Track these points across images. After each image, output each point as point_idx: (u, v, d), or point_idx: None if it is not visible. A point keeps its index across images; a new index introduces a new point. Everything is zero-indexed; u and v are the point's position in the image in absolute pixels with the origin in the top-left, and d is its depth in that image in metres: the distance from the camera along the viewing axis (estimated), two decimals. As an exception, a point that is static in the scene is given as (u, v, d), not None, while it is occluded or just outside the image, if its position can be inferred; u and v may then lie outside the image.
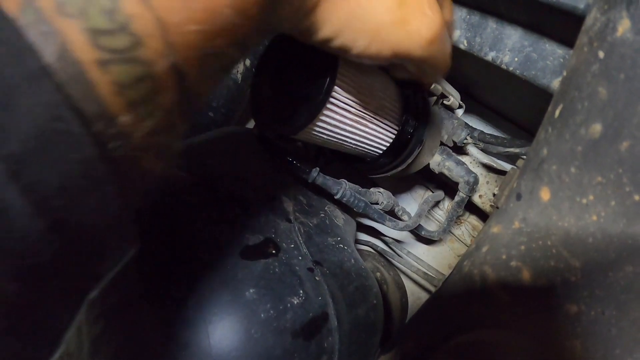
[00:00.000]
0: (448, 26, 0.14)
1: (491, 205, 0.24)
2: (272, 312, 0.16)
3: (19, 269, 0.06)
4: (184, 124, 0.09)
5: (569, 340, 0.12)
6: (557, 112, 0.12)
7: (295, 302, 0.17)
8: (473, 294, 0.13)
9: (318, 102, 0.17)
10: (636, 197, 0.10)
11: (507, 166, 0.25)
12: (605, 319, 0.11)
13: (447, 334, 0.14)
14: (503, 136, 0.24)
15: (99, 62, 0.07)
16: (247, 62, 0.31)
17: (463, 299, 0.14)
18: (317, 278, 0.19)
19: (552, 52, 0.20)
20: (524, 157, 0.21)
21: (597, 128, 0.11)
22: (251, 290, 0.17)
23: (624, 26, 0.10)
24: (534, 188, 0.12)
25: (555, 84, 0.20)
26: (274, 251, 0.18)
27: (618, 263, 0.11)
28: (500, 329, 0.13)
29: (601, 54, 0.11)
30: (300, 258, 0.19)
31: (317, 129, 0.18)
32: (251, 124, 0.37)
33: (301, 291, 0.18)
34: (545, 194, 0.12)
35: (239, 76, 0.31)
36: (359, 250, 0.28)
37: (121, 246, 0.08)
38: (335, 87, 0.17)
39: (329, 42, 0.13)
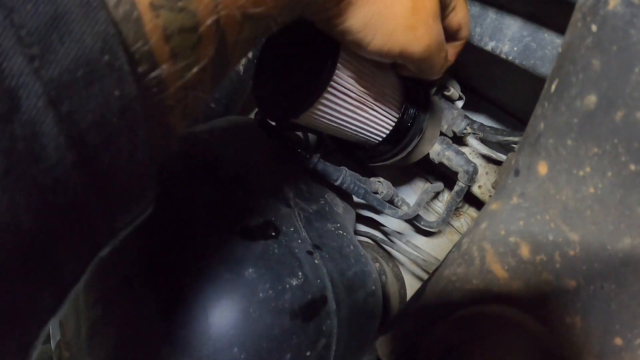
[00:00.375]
0: (462, 26, 0.16)
1: (490, 196, 0.24)
2: (270, 292, 0.17)
3: (40, 204, 0.06)
4: (212, 86, 0.09)
5: (569, 316, 0.12)
6: (552, 87, 0.12)
7: (294, 284, 0.17)
8: (472, 270, 0.13)
9: (320, 85, 0.17)
10: (632, 167, 0.10)
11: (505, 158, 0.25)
12: (605, 293, 0.11)
13: (446, 309, 0.14)
14: (502, 128, 0.24)
15: (152, 6, 0.07)
16: (249, 54, 0.31)
17: (462, 275, 0.14)
18: (316, 261, 0.19)
19: (551, 41, 0.21)
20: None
21: (591, 99, 0.11)
22: (250, 270, 0.17)
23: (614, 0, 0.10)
24: (531, 163, 0.12)
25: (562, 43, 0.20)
26: (273, 233, 0.19)
27: (616, 235, 0.11)
28: (498, 304, 0.13)
29: (594, 28, 0.11)
30: (299, 241, 0.19)
31: (319, 112, 0.19)
32: (252, 115, 0.37)
33: (300, 273, 0.18)
34: (542, 168, 0.12)
35: (241, 68, 0.32)
36: (358, 241, 0.28)
37: (141, 200, 0.08)
38: (337, 72, 0.18)
39: (349, 34, 0.14)
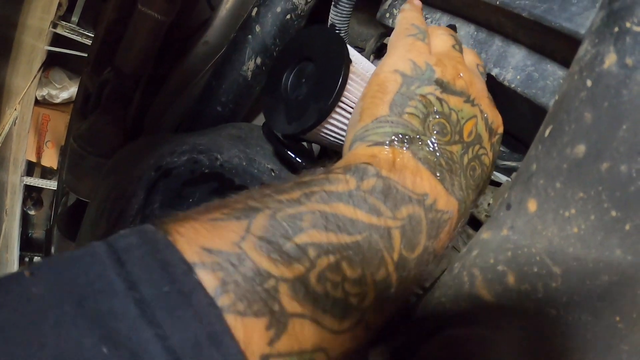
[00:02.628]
0: (475, 68, 0.18)
1: (486, 215, 0.25)
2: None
3: None
4: None
5: (547, 341, 0.13)
6: (547, 132, 0.13)
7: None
8: (461, 293, 0.14)
9: (328, 105, 0.18)
10: (613, 213, 0.11)
11: (503, 178, 0.26)
12: (582, 324, 0.12)
13: (435, 329, 0.15)
14: (502, 149, 0.25)
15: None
16: (258, 60, 0.32)
17: (452, 298, 0.15)
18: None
19: (553, 72, 0.22)
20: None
21: (581, 149, 0.12)
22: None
23: (610, 59, 0.11)
24: (522, 199, 0.13)
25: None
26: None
27: (595, 272, 0.12)
28: (484, 326, 0.14)
29: (589, 83, 0.12)
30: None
31: (326, 130, 0.20)
32: (257, 121, 0.38)
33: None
34: (532, 205, 0.13)
35: (249, 73, 0.32)
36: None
37: None
38: (345, 92, 0.18)
39: None
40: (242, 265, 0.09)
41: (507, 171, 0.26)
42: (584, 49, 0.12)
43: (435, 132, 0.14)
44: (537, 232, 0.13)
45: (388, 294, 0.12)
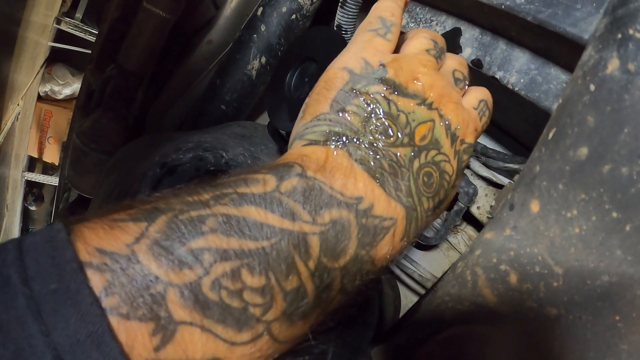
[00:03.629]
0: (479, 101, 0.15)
1: (488, 217, 0.25)
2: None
3: None
4: None
5: (548, 340, 0.13)
6: (550, 135, 0.13)
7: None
8: (464, 292, 0.15)
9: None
10: (614, 214, 0.12)
11: (505, 180, 0.27)
12: (582, 323, 0.12)
13: (439, 326, 0.15)
14: (505, 152, 0.26)
15: None
16: (263, 59, 0.32)
17: (455, 296, 0.15)
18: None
19: (556, 76, 0.22)
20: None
21: (583, 151, 0.12)
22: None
23: (613, 65, 0.11)
24: (525, 200, 0.14)
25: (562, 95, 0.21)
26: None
27: (596, 272, 0.12)
28: (486, 325, 0.14)
29: (592, 87, 0.12)
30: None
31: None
32: (261, 120, 0.38)
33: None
34: (535, 206, 0.13)
35: (254, 72, 0.33)
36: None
37: None
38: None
39: None
40: (131, 267, 0.09)
41: (510, 173, 0.27)
42: (588, 54, 0.13)
43: (378, 132, 0.13)
44: (540, 233, 0.13)
45: (301, 305, 0.10)
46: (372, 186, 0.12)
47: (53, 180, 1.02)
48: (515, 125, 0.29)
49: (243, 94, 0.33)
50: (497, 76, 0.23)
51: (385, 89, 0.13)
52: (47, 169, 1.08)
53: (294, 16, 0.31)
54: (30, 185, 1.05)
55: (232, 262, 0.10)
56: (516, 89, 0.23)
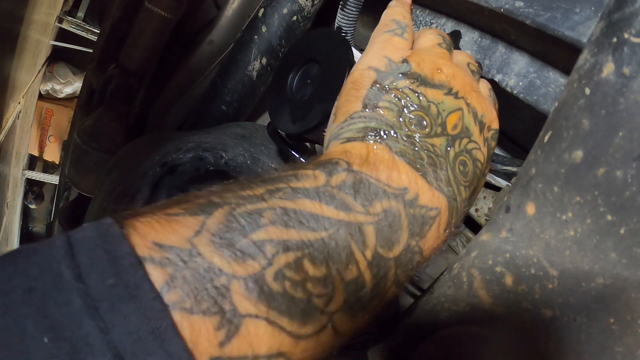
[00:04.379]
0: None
1: (486, 219, 0.25)
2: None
3: None
4: None
5: (543, 342, 0.13)
6: (546, 138, 0.13)
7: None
8: (460, 293, 0.15)
9: (331, 106, 0.19)
10: (609, 217, 0.12)
11: (504, 183, 0.27)
12: (576, 325, 0.13)
13: (434, 327, 0.15)
14: (503, 154, 0.26)
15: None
16: (264, 60, 0.32)
17: (451, 297, 0.15)
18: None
19: (555, 80, 0.22)
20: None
21: (579, 154, 0.12)
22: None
23: (608, 69, 0.12)
24: (521, 202, 0.14)
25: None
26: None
27: (590, 275, 0.12)
28: (482, 326, 0.14)
29: (587, 91, 0.12)
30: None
31: (330, 132, 0.20)
32: (261, 120, 0.38)
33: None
34: (530, 209, 0.13)
35: (255, 73, 0.33)
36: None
37: None
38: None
39: None
40: (192, 261, 0.09)
41: (508, 176, 0.27)
42: (584, 58, 0.13)
43: (412, 125, 0.13)
44: (535, 235, 0.13)
45: (361, 296, 0.10)
46: (414, 177, 0.12)
47: (53, 179, 1.02)
48: (513, 128, 0.29)
49: (243, 95, 0.33)
50: (496, 79, 0.23)
51: (412, 82, 0.14)
52: (48, 167, 1.08)
53: (295, 17, 0.31)
54: (31, 184, 1.06)
55: (294, 253, 0.10)
56: (515, 92, 0.23)
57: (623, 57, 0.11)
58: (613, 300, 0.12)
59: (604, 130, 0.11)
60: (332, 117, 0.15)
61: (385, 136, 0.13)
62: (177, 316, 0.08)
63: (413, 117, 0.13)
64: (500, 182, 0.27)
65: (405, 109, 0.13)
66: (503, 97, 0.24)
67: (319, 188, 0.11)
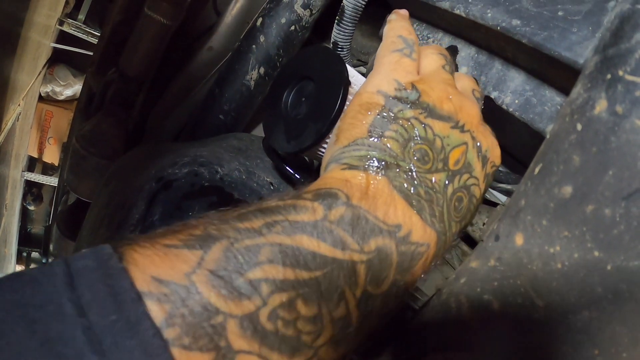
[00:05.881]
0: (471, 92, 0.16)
1: (480, 235, 0.25)
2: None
3: None
4: None
5: (529, 369, 0.13)
6: (536, 170, 0.13)
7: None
8: (448, 319, 0.15)
9: (326, 127, 0.19)
10: (596, 253, 0.12)
11: (499, 196, 0.27)
12: (562, 354, 0.13)
13: (422, 352, 0.15)
14: (501, 170, 0.26)
15: None
16: (262, 70, 0.32)
17: (439, 322, 0.15)
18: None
19: (551, 98, 0.22)
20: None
21: (568, 190, 0.12)
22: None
23: (601, 106, 0.12)
24: (510, 232, 0.14)
25: (550, 129, 0.21)
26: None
27: (577, 307, 0.12)
28: (469, 352, 0.14)
29: (579, 127, 0.12)
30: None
31: (323, 150, 0.20)
32: (259, 130, 0.38)
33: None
34: (519, 239, 0.13)
35: (252, 83, 0.33)
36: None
37: None
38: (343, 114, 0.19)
39: None
40: (191, 298, 0.09)
41: (506, 192, 0.27)
42: (577, 92, 0.13)
43: (415, 158, 0.13)
44: (523, 265, 0.13)
45: (347, 331, 0.11)
46: (409, 213, 0.12)
47: (52, 181, 1.02)
48: (510, 143, 0.29)
49: (241, 104, 0.34)
50: (492, 96, 0.23)
51: (420, 112, 0.13)
52: (47, 169, 1.08)
53: (293, 27, 0.31)
54: (30, 185, 1.06)
55: (289, 293, 0.10)
56: (510, 109, 0.23)
57: (616, 95, 0.11)
58: (598, 333, 0.12)
59: (594, 167, 0.11)
60: (333, 137, 0.15)
61: (387, 169, 0.13)
62: (177, 352, 0.08)
63: (417, 150, 0.13)
64: (496, 195, 0.27)
65: (411, 142, 0.13)
66: (499, 114, 0.24)
67: (317, 222, 0.11)
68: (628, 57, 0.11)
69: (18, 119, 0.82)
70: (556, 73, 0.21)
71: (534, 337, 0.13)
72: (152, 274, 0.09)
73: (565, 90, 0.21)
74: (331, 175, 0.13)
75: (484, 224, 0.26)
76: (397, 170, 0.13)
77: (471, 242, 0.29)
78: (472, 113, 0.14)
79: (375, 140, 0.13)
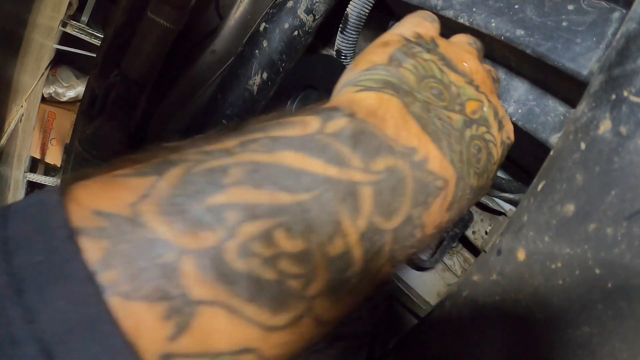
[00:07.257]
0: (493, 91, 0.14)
1: (482, 245, 0.26)
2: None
3: None
4: None
5: (528, 381, 0.13)
6: (539, 187, 0.14)
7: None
8: (449, 330, 0.15)
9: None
10: (597, 271, 0.12)
11: (501, 204, 0.27)
12: (562, 368, 0.13)
13: (423, 362, 0.15)
14: (503, 177, 0.26)
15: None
16: (264, 75, 0.32)
17: (440, 333, 0.15)
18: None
19: (554, 108, 0.22)
20: (518, 200, 0.22)
21: (570, 208, 0.12)
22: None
23: (605, 126, 0.12)
24: (512, 247, 0.14)
25: (553, 139, 0.21)
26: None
27: (577, 322, 0.12)
28: (469, 364, 0.14)
29: (583, 145, 0.12)
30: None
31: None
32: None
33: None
34: (521, 255, 0.14)
35: (255, 88, 0.33)
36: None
37: None
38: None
39: None
40: (134, 232, 0.07)
41: (509, 200, 0.27)
42: (581, 111, 0.13)
43: (431, 93, 0.11)
44: (524, 280, 0.13)
45: (348, 276, 0.08)
46: (425, 139, 0.10)
47: (54, 182, 1.02)
48: (511, 151, 0.29)
49: (244, 109, 0.34)
50: (496, 105, 0.23)
51: (437, 59, 0.12)
52: (49, 170, 1.09)
53: (295, 32, 0.31)
54: (32, 186, 1.06)
55: (264, 221, 0.07)
56: (514, 119, 0.23)
57: (621, 116, 0.11)
58: (598, 349, 0.12)
59: (597, 187, 0.12)
60: (351, 65, 0.13)
61: (402, 94, 0.11)
62: (115, 302, 0.06)
63: (433, 87, 0.11)
64: (499, 203, 0.27)
65: (427, 78, 0.11)
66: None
67: (306, 136, 0.08)
68: (634, 78, 0.11)
69: (21, 120, 0.82)
70: (560, 83, 0.21)
71: (535, 351, 0.13)
72: (91, 207, 0.07)
73: (568, 100, 0.21)
74: (339, 98, 0.11)
75: (486, 232, 0.26)
76: (413, 98, 0.11)
77: (473, 249, 0.29)
78: (486, 81, 0.13)
79: (394, 68, 0.12)
